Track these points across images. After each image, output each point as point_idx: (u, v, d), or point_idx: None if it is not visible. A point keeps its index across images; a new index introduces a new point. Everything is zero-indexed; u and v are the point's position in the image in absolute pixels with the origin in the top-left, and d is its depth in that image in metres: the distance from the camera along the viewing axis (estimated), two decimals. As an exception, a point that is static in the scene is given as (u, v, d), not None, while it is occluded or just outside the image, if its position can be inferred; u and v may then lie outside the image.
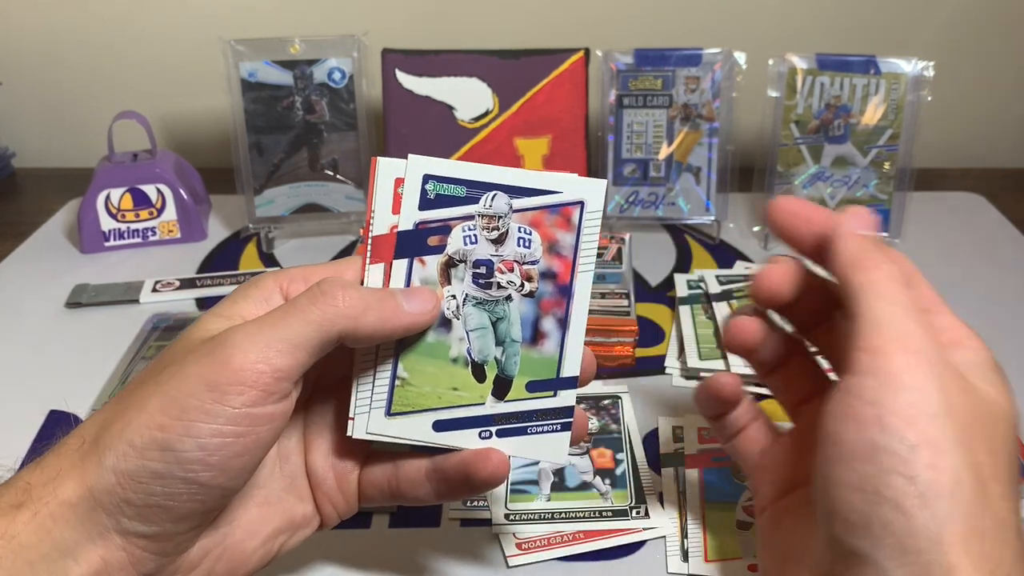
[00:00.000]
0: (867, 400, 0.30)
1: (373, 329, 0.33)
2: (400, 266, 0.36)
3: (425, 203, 0.36)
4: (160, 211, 0.78)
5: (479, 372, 0.37)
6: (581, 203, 0.37)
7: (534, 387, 0.37)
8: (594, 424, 0.53)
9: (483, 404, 0.37)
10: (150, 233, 0.78)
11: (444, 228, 0.36)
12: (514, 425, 0.37)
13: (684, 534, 0.46)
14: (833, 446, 0.30)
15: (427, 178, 0.36)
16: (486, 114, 0.77)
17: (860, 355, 0.31)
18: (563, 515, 0.47)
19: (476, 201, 0.36)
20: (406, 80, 0.76)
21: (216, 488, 0.31)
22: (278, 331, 0.31)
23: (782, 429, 0.40)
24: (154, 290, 0.70)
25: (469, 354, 0.37)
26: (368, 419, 0.36)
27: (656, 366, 0.60)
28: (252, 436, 0.31)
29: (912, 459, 0.28)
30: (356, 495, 0.38)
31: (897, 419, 0.29)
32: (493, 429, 0.37)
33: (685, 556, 0.44)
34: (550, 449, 0.37)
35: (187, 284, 0.71)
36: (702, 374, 0.58)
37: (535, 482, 0.49)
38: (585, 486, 0.49)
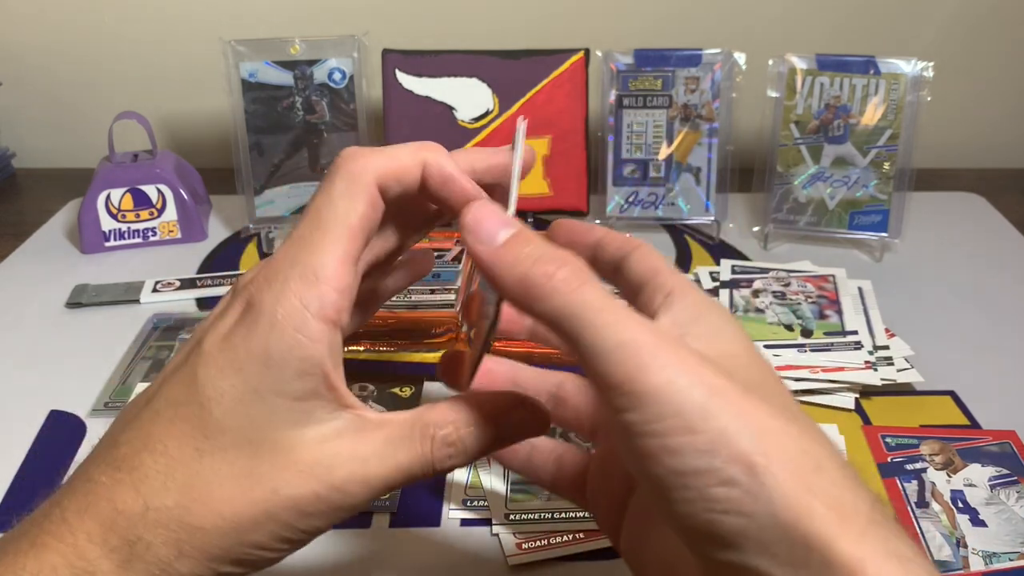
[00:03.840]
0: (643, 433, 0.26)
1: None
2: None
3: None
4: (160, 211, 0.78)
5: None
6: None
7: None
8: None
9: None
10: (150, 233, 0.78)
11: None
12: None
13: (684, 534, 0.46)
14: (648, 487, 0.27)
15: None
16: (486, 114, 0.77)
17: (614, 395, 0.26)
18: (563, 515, 0.47)
19: None
20: (406, 80, 0.76)
21: None
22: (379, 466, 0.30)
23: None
24: (154, 290, 0.70)
25: None
26: None
27: (656, 366, 0.60)
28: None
29: (716, 464, 0.25)
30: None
31: (678, 438, 0.25)
32: None
33: (685, 556, 0.44)
34: None
35: (187, 284, 0.71)
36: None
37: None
38: (585, 486, 0.49)
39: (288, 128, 0.75)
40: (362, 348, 0.61)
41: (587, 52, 0.77)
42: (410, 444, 0.30)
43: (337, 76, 0.75)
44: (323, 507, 0.29)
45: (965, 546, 0.45)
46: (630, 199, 0.78)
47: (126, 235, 0.77)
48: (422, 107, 0.76)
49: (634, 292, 0.32)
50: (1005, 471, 0.49)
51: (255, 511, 0.28)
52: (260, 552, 0.29)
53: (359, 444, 0.29)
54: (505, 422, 0.32)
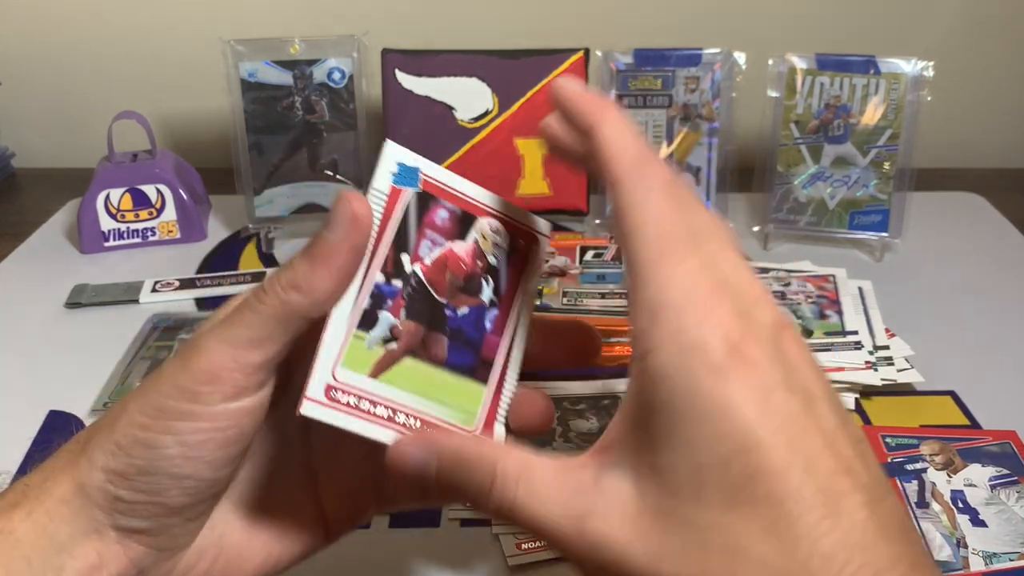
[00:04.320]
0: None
1: (329, 283, 0.30)
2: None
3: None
4: (160, 211, 0.78)
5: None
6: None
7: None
8: (594, 424, 0.53)
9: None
10: (150, 233, 0.78)
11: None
12: None
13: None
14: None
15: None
16: (486, 114, 0.77)
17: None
18: (563, 515, 0.47)
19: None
20: (406, 80, 0.76)
21: (203, 480, 0.31)
22: (240, 330, 0.30)
23: None
24: (154, 290, 0.70)
25: None
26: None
27: (656, 366, 0.60)
28: (234, 430, 0.31)
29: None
30: (373, 499, 0.37)
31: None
32: None
33: (685, 556, 0.44)
34: None
35: (187, 284, 0.71)
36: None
37: (535, 482, 0.49)
38: (585, 486, 0.49)
39: (288, 128, 0.75)
40: None
41: (587, 52, 0.77)
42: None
43: (337, 76, 0.75)
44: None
45: (965, 546, 0.44)
46: (630, 199, 0.78)
47: (125, 235, 0.77)
48: (422, 107, 0.76)
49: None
50: (1005, 471, 0.49)
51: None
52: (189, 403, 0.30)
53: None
54: None
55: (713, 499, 0.24)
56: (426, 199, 0.34)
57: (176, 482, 0.30)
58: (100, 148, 0.78)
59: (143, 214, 0.77)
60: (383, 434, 0.31)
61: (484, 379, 0.34)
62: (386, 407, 0.32)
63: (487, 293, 0.35)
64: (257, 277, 0.72)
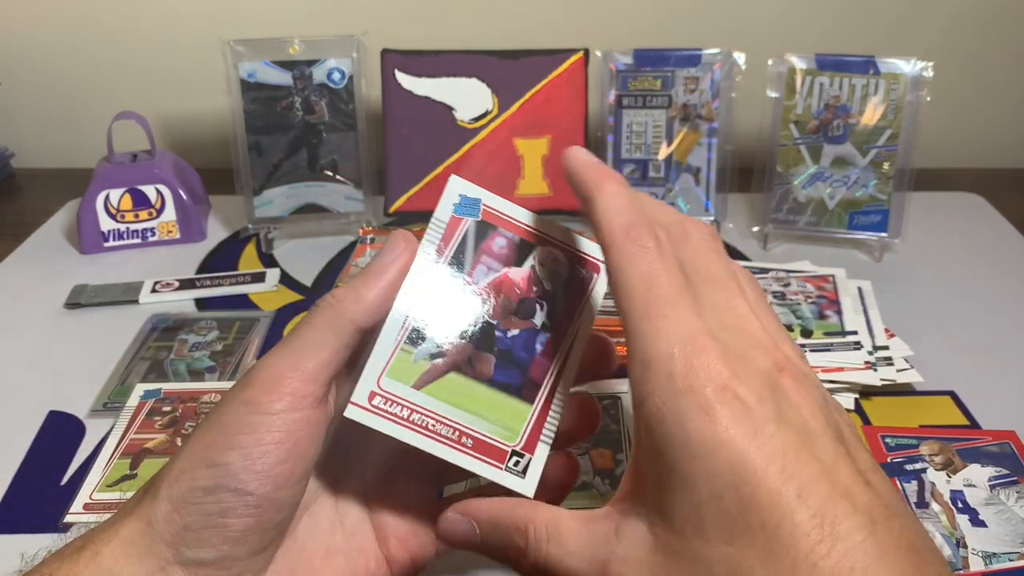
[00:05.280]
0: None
1: (377, 291, 0.33)
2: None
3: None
4: (159, 212, 0.77)
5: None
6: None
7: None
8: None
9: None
10: (149, 233, 0.78)
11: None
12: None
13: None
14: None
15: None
16: (485, 114, 0.77)
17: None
18: (562, 515, 0.47)
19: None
20: (405, 80, 0.76)
21: (266, 499, 0.31)
22: (296, 342, 0.33)
23: None
24: (153, 291, 0.70)
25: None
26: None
27: (656, 366, 0.60)
28: (291, 442, 0.31)
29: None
30: (434, 543, 0.37)
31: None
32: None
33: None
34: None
35: (186, 284, 0.71)
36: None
37: (534, 482, 0.49)
38: (585, 486, 0.49)
39: (287, 128, 0.75)
40: None
41: (586, 52, 0.77)
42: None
43: (336, 76, 0.75)
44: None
45: (965, 546, 0.44)
46: (630, 199, 0.78)
47: (125, 235, 0.77)
48: (421, 107, 0.76)
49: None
50: (1005, 471, 0.49)
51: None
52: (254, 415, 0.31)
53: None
54: None
55: (713, 534, 0.26)
56: (485, 228, 0.36)
57: (239, 499, 0.30)
58: (100, 148, 0.78)
59: (143, 214, 0.77)
60: (421, 441, 0.33)
61: (530, 399, 0.35)
62: (426, 417, 0.33)
63: (540, 317, 0.36)
64: (257, 277, 0.72)
